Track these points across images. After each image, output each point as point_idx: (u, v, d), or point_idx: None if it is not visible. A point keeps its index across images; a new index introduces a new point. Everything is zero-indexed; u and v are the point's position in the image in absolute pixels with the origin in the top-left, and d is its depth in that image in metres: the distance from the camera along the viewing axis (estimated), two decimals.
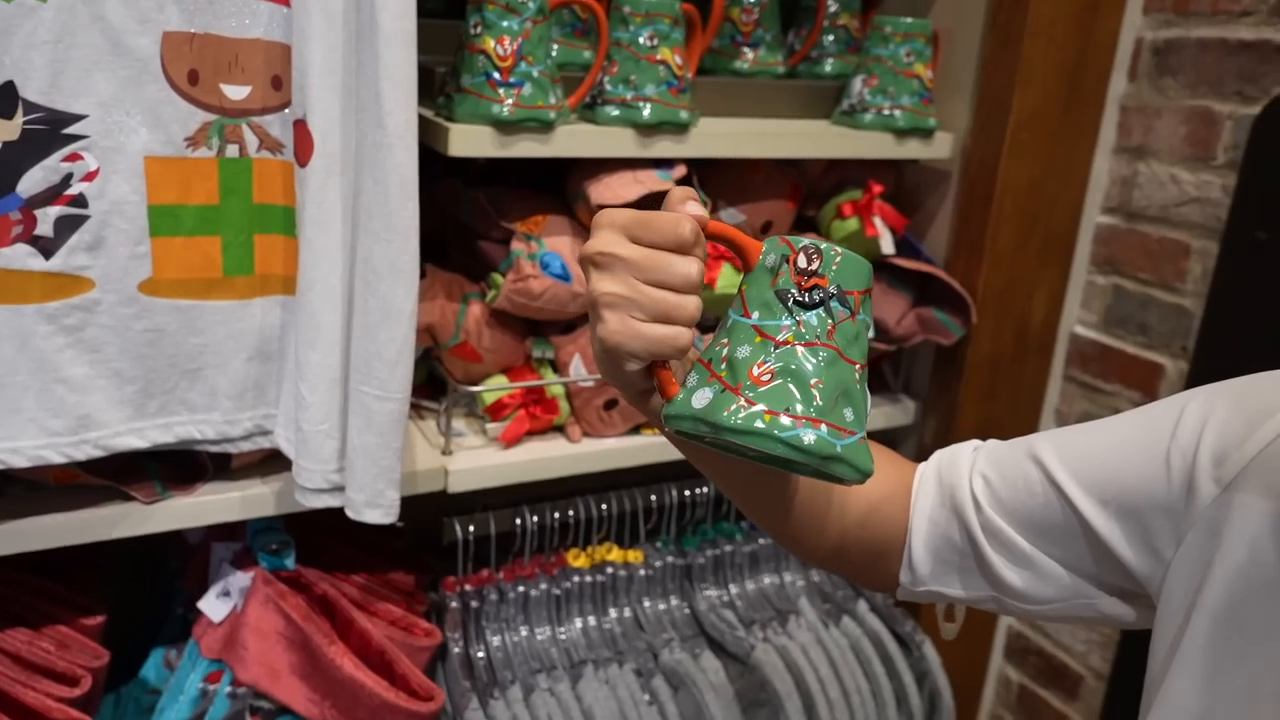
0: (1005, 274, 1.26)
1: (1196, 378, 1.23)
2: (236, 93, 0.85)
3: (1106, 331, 1.34)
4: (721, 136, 1.12)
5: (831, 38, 1.33)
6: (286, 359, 0.93)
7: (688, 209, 0.52)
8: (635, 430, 1.18)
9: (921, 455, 1.35)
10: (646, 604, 1.25)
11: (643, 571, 1.24)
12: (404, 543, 1.26)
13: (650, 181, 1.08)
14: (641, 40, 1.05)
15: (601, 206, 1.09)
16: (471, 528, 1.13)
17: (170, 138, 0.83)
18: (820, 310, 0.51)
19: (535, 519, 1.16)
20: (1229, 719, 0.52)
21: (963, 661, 1.41)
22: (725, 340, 0.52)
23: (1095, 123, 1.26)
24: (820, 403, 0.50)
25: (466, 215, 1.12)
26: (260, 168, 0.88)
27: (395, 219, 0.84)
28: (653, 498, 1.23)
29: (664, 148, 1.08)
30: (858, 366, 0.52)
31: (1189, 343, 1.24)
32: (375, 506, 0.92)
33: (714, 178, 1.20)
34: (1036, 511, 0.61)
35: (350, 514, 0.93)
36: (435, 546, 1.18)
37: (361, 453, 0.89)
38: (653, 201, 1.09)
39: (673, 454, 1.22)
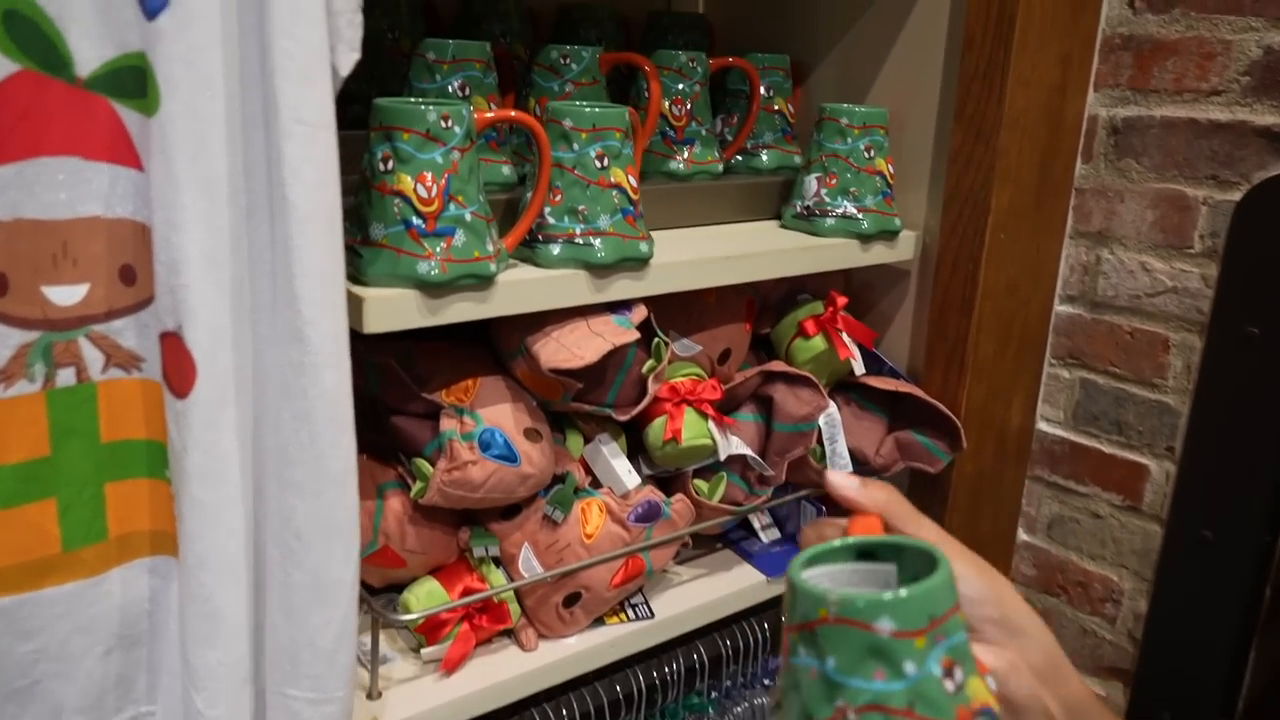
0: (986, 386, 1.12)
1: (1188, 480, 1.13)
2: (67, 295, 0.59)
3: (1076, 429, 1.23)
4: (684, 267, 0.92)
5: (765, 125, 1.16)
6: (162, 638, 0.67)
7: None
8: (598, 621, 0.97)
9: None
10: None
11: None
12: None
13: (610, 331, 0.87)
14: (590, 161, 0.84)
15: (555, 370, 0.88)
16: None
17: None
18: None
19: None
20: None
21: None
22: None
23: (1064, 211, 1.15)
24: None
25: (373, 386, 0.88)
26: (110, 394, 0.61)
27: (326, 462, 0.60)
28: (618, 688, 1.02)
29: (622, 288, 0.88)
30: None
31: (1175, 442, 1.15)
32: None
33: (660, 305, 1.00)
34: None
35: None
36: None
37: None
38: (614, 356, 0.89)
39: (639, 644, 1.02)
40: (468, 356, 0.92)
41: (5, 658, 0.61)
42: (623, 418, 0.93)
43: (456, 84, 0.90)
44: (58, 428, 0.60)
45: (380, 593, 0.95)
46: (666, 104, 1.06)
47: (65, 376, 0.60)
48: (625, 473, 0.95)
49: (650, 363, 0.93)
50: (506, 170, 0.93)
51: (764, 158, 1.16)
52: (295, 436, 0.59)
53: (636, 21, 1.25)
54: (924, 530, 0.52)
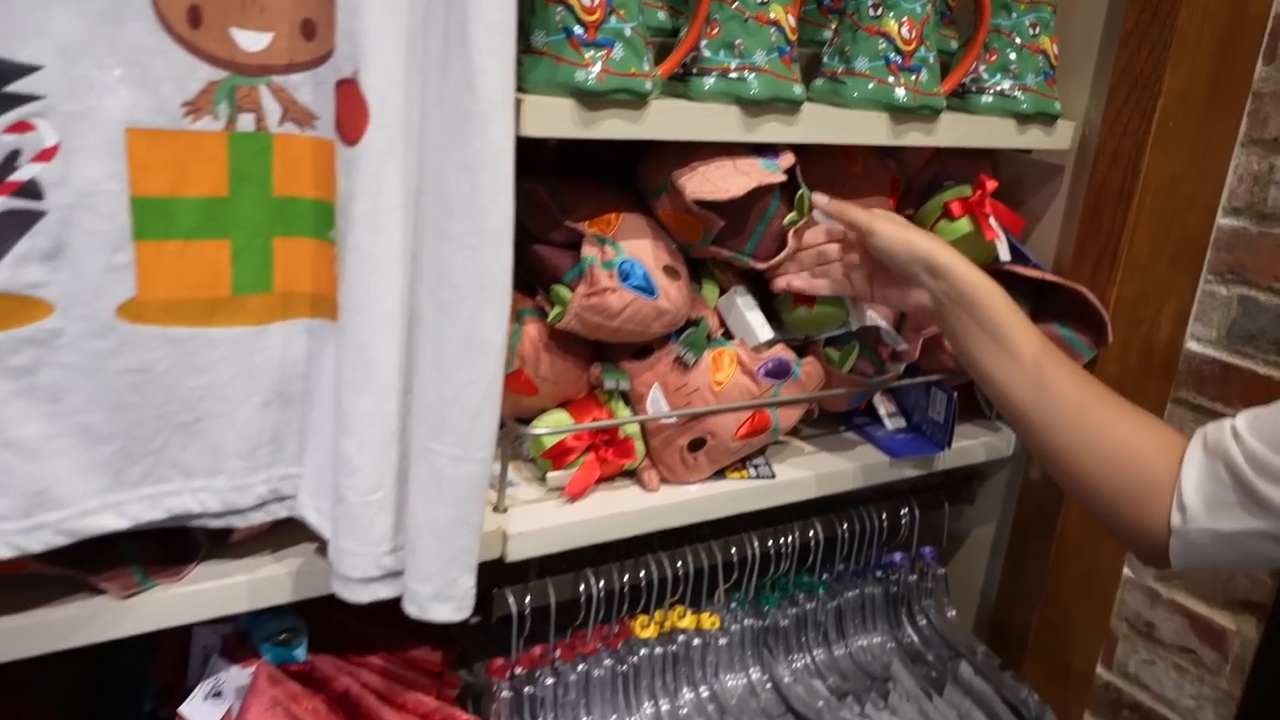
0: (1137, 285, 1.08)
1: None
2: (254, 41, 0.61)
3: (1229, 349, 1.17)
4: (835, 118, 0.91)
5: None
6: (313, 403, 0.70)
7: None
8: (720, 474, 0.97)
9: (1023, 491, 1.14)
10: (726, 679, 1.04)
11: (722, 640, 1.03)
12: None
13: (755, 172, 0.87)
14: None
15: (700, 202, 0.88)
16: (529, 599, 0.90)
17: (162, 102, 0.60)
18: None
19: (601, 584, 0.94)
20: None
21: None
22: None
23: (1238, 114, 1.09)
24: None
25: (520, 212, 0.89)
26: (284, 147, 0.64)
27: (486, 217, 0.61)
28: (733, 550, 1.02)
29: (771, 130, 0.87)
30: None
31: None
32: (446, 600, 0.69)
33: (807, 169, 0.99)
34: None
35: (411, 610, 0.70)
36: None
37: (429, 531, 0.67)
38: (757, 196, 0.89)
39: (758, 502, 1.02)
40: (611, 194, 0.93)
41: (174, 390, 0.65)
42: (761, 266, 0.93)
43: None
44: (236, 171, 0.63)
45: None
46: None
47: (245, 122, 0.63)
48: (759, 325, 0.94)
49: (792, 215, 0.93)
50: (661, 16, 0.93)
51: None
52: (458, 188, 0.61)
53: None
54: None
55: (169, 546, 0.75)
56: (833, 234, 0.92)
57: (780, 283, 0.94)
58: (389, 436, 0.65)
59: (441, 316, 0.63)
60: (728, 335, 0.97)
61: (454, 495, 0.66)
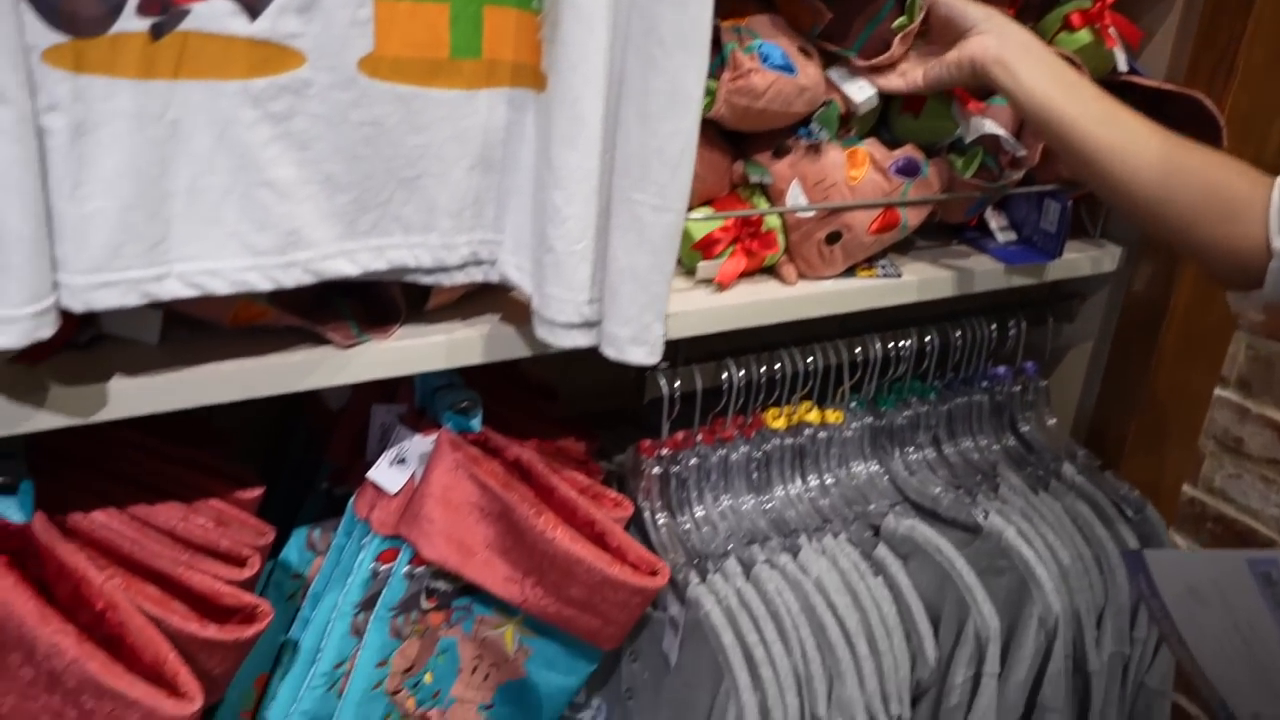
0: (1252, 95, 1.11)
1: None
2: None
3: None
4: None
5: None
6: (511, 169, 0.76)
7: None
8: (850, 272, 1.03)
9: (1125, 305, 1.20)
10: (848, 469, 1.12)
11: (845, 434, 1.11)
12: (558, 408, 1.12)
13: None
14: None
15: None
16: (678, 383, 0.98)
17: None
18: None
19: (741, 373, 1.02)
20: None
21: None
22: None
23: None
24: None
25: None
26: None
27: None
28: (857, 351, 1.09)
29: None
30: None
31: None
32: (641, 343, 0.76)
33: None
34: None
35: (610, 352, 0.77)
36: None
37: (630, 277, 0.73)
38: (869, 6, 0.93)
39: (884, 299, 1.08)
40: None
41: (400, 146, 0.71)
42: (864, 64, 0.97)
43: None
44: None
45: None
46: None
47: None
48: (856, 89, 0.98)
49: (901, 20, 0.97)
50: None
51: None
52: None
53: None
54: None
55: (373, 310, 0.83)
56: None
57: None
58: (592, 190, 0.72)
59: (649, 71, 0.69)
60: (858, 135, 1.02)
61: (653, 243, 0.73)
